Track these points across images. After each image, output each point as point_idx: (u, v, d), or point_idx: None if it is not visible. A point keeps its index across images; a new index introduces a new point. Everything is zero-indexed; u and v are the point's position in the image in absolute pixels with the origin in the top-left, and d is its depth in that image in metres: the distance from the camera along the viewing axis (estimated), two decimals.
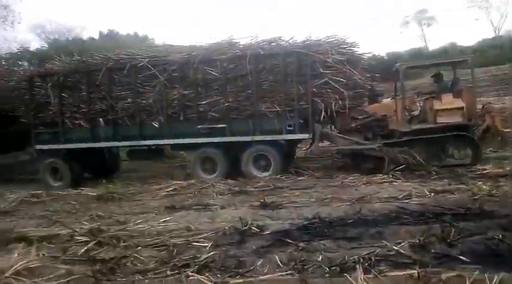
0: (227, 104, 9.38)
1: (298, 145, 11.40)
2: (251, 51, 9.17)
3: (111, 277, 4.11)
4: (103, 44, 23.24)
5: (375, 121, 9.50)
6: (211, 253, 4.45)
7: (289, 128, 9.23)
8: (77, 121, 10.39)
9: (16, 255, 4.75)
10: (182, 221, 5.99)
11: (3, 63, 25.89)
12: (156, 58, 9.75)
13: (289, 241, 4.70)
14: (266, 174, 9.36)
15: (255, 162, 9.57)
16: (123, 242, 5.11)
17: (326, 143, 10.05)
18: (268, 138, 9.36)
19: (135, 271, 4.22)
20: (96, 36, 29.81)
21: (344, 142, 9.39)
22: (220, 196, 7.85)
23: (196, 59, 9.43)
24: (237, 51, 9.37)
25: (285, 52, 9.07)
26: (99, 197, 8.50)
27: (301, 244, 4.55)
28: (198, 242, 4.94)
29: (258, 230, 5.18)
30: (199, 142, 9.76)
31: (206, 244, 4.81)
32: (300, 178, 8.99)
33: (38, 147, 10.78)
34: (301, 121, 9.24)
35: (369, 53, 10.10)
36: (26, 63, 24.58)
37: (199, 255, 4.42)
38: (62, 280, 4.04)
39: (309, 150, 10.14)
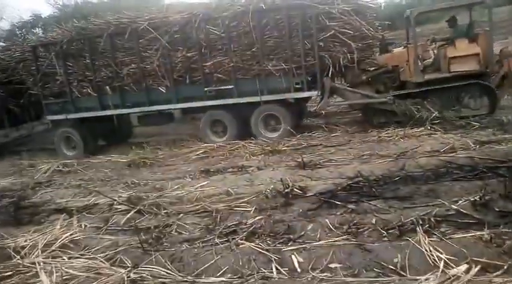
0: (232, 64, 9.12)
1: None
2: (253, 6, 8.76)
3: (158, 247, 4.03)
4: (113, 6, 22.67)
5: (386, 72, 9.12)
6: (257, 218, 4.29)
7: (297, 86, 8.95)
8: (84, 90, 10.31)
9: (58, 227, 4.76)
10: (220, 185, 5.88)
11: (18, 31, 25.82)
12: (156, 19, 9.44)
13: (336, 202, 4.48)
14: (276, 134, 9.23)
15: (265, 122, 9.43)
16: (164, 210, 5.04)
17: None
18: (276, 97, 9.13)
19: (181, 240, 4.13)
20: None
21: (354, 96, 9.12)
22: (253, 157, 7.65)
23: (197, 18, 9.11)
24: (239, 7, 8.96)
25: (287, 5, 8.63)
26: (131, 163, 8.52)
27: (351, 206, 4.32)
28: (240, 207, 4.79)
29: (301, 191, 4.97)
30: (207, 105, 9.63)
31: (249, 209, 4.66)
32: (333, 135, 8.71)
33: (49, 117, 10.86)
34: (309, 78, 8.95)
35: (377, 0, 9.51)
36: (40, 31, 24.42)
37: (244, 221, 4.27)
38: (110, 252, 3.99)
39: (318, 106, 9.86)
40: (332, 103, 9.84)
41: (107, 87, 10.01)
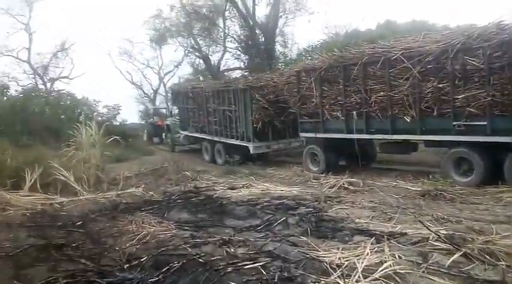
0: (489, 98, 8.19)
1: None
2: None
3: None
4: (379, 34, 23.28)
5: None
6: None
7: None
8: (334, 113, 11.09)
9: (369, 251, 4.49)
10: None
11: (303, 53, 28.77)
12: (411, 49, 9.32)
13: None
14: None
15: None
16: (502, 262, 4.13)
17: None
18: None
19: None
20: (374, 27, 29.83)
21: None
22: None
23: (454, 47, 8.56)
24: (506, 35, 7.98)
25: None
26: (425, 193, 7.89)
27: None
28: None
29: None
30: (454, 140, 8.92)
31: None
32: None
33: (302, 134, 12.11)
34: None
35: None
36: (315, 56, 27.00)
37: None
38: None
39: None
40: None
41: (354, 112, 10.46)
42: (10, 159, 9.63)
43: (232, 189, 9.19)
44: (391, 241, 4.92)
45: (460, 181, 8.77)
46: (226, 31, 29.98)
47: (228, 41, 30.32)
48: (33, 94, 24.99)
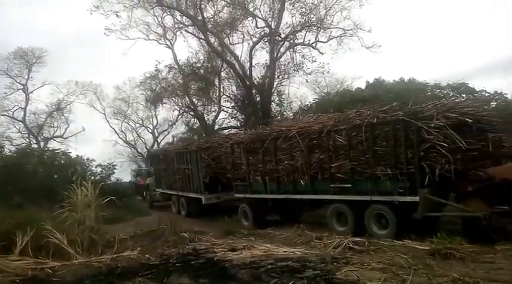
0: (350, 167, 10.78)
1: None
2: (367, 120, 10.37)
3: None
4: (369, 93, 24.86)
5: (496, 185, 8.92)
6: None
7: (400, 190, 9.82)
8: (256, 177, 13.73)
9: None
10: None
11: (299, 112, 28.84)
12: (302, 128, 12.10)
13: None
14: (383, 232, 10.16)
15: (377, 220, 10.50)
16: None
17: None
18: (383, 198, 10.20)
19: None
20: (363, 86, 30.69)
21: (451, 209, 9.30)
22: None
23: (327, 128, 11.30)
24: (358, 120, 10.69)
25: (393, 120, 9.86)
26: (434, 252, 7.52)
27: None
28: None
29: None
30: (332, 198, 11.44)
31: None
32: None
33: (236, 195, 14.72)
34: (409, 184, 9.68)
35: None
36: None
37: None
38: None
39: (414, 215, 10.05)
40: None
41: (266, 178, 13.10)
42: (0, 221, 9.46)
43: (233, 250, 8.88)
44: None
45: (338, 230, 11.14)
46: (222, 91, 30.79)
47: (224, 100, 30.76)
48: (28, 152, 24.97)
